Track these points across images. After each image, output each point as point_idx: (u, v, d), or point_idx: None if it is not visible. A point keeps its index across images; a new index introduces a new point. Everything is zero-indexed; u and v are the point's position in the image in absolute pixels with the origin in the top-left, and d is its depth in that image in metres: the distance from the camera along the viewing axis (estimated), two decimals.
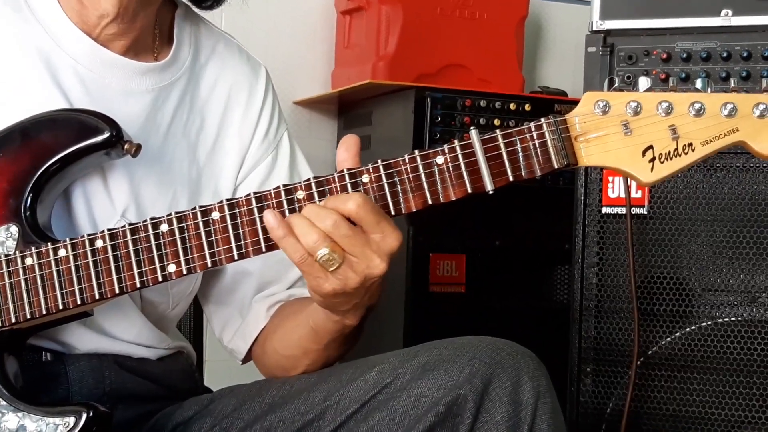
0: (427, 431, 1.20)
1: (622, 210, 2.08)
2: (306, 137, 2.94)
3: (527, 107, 2.67)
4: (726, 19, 2.05)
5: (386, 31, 2.74)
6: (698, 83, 1.16)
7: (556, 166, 1.15)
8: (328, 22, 2.98)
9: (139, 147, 1.24)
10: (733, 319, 2.01)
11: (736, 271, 2.02)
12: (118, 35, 1.33)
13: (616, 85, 1.17)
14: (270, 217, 1.15)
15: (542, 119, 1.16)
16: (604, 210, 2.11)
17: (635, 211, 2.07)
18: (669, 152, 1.14)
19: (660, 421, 2.05)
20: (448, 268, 2.59)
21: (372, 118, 2.81)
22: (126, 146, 1.24)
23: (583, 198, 2.12)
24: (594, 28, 2.13)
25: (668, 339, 2.05)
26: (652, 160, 1.14)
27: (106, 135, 1.23)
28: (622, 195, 2.08)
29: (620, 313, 2.09)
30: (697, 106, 1.13)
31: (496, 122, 2.63)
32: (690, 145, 1.14)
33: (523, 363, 1.21)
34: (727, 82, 2.04)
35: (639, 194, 2.06)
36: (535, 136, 1.15)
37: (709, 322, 2.03)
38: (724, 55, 2.05)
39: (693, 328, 2.04)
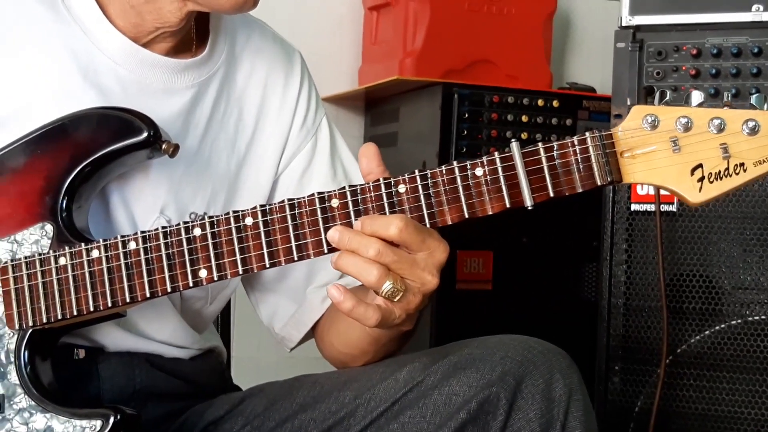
0: (458, 428, 1.19)
1: (651, 207, 2.07)
2: None
3: (555, 103, 2.66)
4: (757, 14, 2.03)
5: (413, 26, 2.73)
6: (753, 99, 1.10)
7: (599, 183, 1.10)
8: (355, 18, 2.98)
9: (177, 147, 1.22)
10: (763, 317, 2.00)
11: (767, 268, 2.00)
12: (167, 38, 1.31)
13: (668, 98, 1.12)
14: (335, 293, 1.13)
15: (587, 132, 1.11)
16: (633, 207, 2.10)
17: (664, 208, 2.06)
18: (719, 172, 1.08)
19: (689, 420, 2.04)
20: (475, 266, 2.58)
21: (399, 115, 2.81)
22: (164, 146, 1.22)
23: (611, 195, 2.11)
24: (623, 24, 2.11)
25: (697, 337, 2.04)
26: (701, 179, 1.09)
27: (144, 135, 1.21)
28: (651, 192, 2.06)
29: (649, 311, 2.08)
30: (751, 124, 1.08)
31: (524, 119, 2.62)
32: (742, 165, 1.08)
33: (555, 361, 1.21)
34: (758, 78, 2.02)
35: None
36: (578, 151, 1.10)
37: (739, 321, 2.01)
38: (755, 50, 2.03)
39: (722, 326, 2.02)
